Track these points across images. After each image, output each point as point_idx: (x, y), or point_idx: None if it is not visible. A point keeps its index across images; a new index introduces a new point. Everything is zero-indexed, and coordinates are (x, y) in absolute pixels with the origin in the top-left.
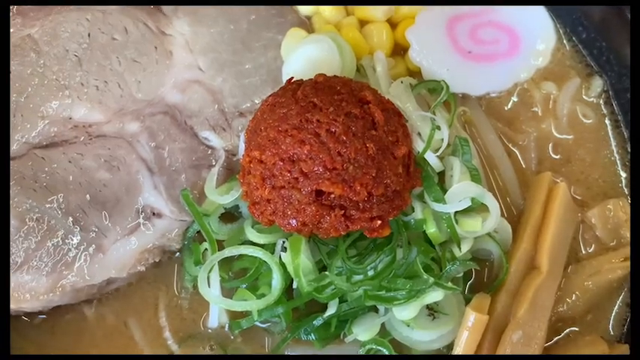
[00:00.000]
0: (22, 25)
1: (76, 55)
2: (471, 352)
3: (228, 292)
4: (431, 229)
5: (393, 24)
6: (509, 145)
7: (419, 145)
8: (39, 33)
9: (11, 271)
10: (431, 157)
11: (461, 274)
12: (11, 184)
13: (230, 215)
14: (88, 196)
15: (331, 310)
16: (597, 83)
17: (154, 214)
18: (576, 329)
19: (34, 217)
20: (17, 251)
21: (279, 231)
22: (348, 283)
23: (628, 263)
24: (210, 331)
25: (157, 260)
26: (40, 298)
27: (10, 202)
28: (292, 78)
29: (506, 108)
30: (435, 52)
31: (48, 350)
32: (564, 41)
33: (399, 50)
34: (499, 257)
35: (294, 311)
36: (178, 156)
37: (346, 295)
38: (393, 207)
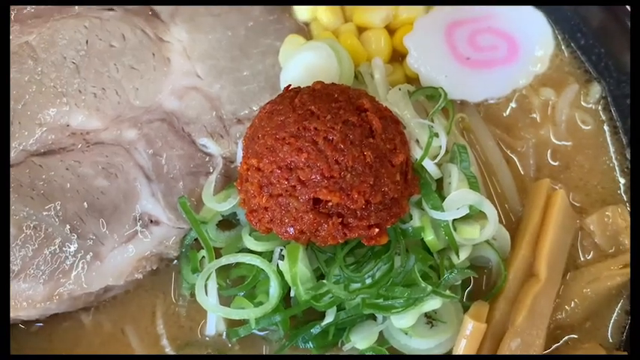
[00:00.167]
0: (20, 32)
1: (73, 63)
2: None
3: (225, 300)
4: (429, 237)
5: (391, 30)
6: (508, 152)
7: (417, 153)
8: (36, 40)
9: None
10: (429, 165)
11: (459, 282)
12: None
13: (228, 222)
14: (85, 203)
15: (329, 319)
16: (596, 89)
17: (151, 221)
18: (575, 337)
19: (32, 225)
20: (14, 259)
21: (277, 239)
22: (345, 292)
23: (627, 270)
24: (207, 338)
25: (155, 268)
26: (38, 306)
27: None
28: (290, 85)
29: (504, 114)
30: (433, 59)
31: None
32: (563, 47)
33: (398, 57)
34: (497, 264)
35: (291, 319)
36: (176, 163)
37: (344, 303)
38: (390, 215)
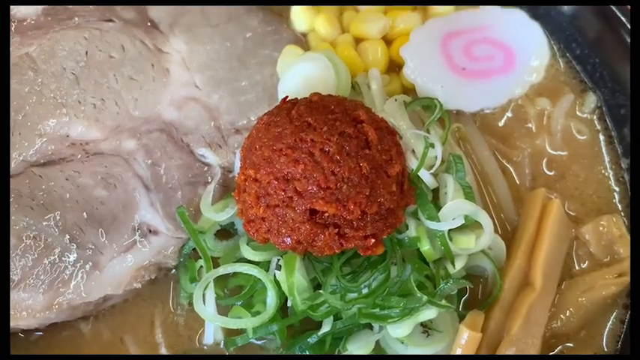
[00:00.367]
0: (21, 43)
1: (73, 74)
2: None
3: (223, 310)
4: (425, 247)
5: (387, 41)
6: (504, 162)
7: (413, 163)
8: (37, 51)
9: None
10: (425, 175)
11: (455, 292)
12: None
13: (226, 232)
14: (84, 213)
15: (326, 328)
16: (591, 99)
17: (150, 231)
18: (570, 345)
19: (31, 235)
20: (14, 269)
21: (274, 249)
22: (342, 302)
23: (622, 279)
24: (205, 347)
25: (153, 277)
26: (37, 315)
27: None
28: (287, 97)
29: (500, 124)
30: (429, 69)
31: None
32: (558, 57)
33: (394, 67)
34: (493, 274)
35: (288, 328)
36: (174, 173)
37: (341, 312)
38: (386, 225)
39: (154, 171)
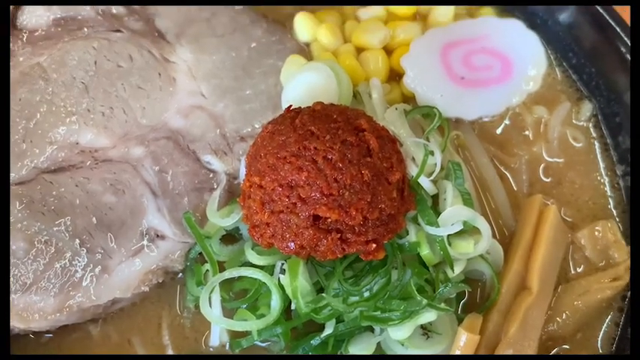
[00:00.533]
0: (32, 53)
1: (82, 83)
2: None
3: (229, 312)
4: (425, 252)
5: (388, 51)
6: (502, 168)
7: (413, 170)
8: (47, 61)
9: (20, 293)
10: (424, 182)
11: (454, 295)
12: (20, 207)
13: (231, 237)
14: (94, 219)
15: (328, 330)
16: (587, 107)
17: (157, 236)
18: (566, 347)
19: (43, 240)
20: (26, 273)
21: (278, 253)
22: (344, 305)
23: (617, 283)
24: (211, 349)
25: (161, 281)
26: (48, 318)
27: (19, 225)
28: (291, 106)
29: (498, 132)
30: (429, 79)
31: None
32: (555, 67)
33: (395, 76)
34: (491, 278)
35: (292, 331)
36: (181, 179)
37: (343, 315)
38: (387, 230)
39: (161, 177)
